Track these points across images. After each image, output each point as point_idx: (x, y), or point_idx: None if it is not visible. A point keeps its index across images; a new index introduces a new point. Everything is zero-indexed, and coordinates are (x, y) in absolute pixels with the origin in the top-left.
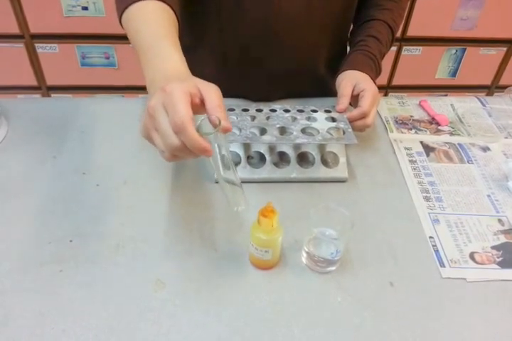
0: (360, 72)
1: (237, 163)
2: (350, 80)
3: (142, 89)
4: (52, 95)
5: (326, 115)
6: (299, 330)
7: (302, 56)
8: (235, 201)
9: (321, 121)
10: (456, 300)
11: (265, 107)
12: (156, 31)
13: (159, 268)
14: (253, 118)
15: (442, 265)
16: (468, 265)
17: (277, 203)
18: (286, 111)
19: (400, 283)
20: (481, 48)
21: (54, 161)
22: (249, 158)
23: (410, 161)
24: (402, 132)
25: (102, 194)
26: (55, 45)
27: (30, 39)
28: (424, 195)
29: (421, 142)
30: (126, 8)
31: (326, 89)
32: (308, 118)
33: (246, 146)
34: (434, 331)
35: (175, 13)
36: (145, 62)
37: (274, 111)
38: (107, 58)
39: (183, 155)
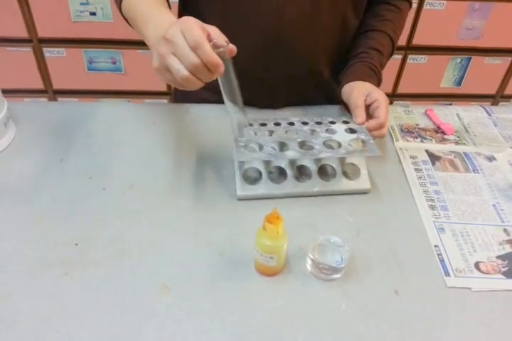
0: (368, 83)
1: (258, 179)
2: (361, 90)
3: (148, 94)
4: (58, 99)
5: (344, 126)
6: (303, 338)
7: (307, 61)
8: (240, 122)
9: (340, 133)
10: (461, 309)
11: (283, 121)
12: (151, 4)
13: (164, 272)
14: (271, 132)
15: (447, 274)
16: (474, 274)
17: (283, 210)
18: (305, 123)
19: (404, 291)
20: (486, 58)
21: (61, 165)
22: (269, 172)
23: (416, 170)
24: (408, 140)
25: (108, 198)
26: (63, 49)
27: (38, 43)
28: (430, 203)
29: (426, 151)
30: None
31: (329, 92)
32: (327, 130)
33: (266, 162)
34: (438, 339)
35: None
36: (145, 26)
37: (292, 124)
38: (114, 63)
39: (200, 73)
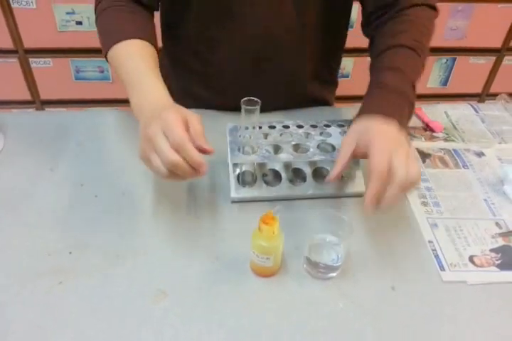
0: (375, 120)
1: (252, 182)
2: (350, 134)
3: None
4: (46, 109)
5: (339, 129)
6: (301, 337)
7: (295, 71)
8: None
9: (335, 136)
10: (458, 302)
11: (278, 124)
12: (140, 66)
13: (160, 278)
14: (266, 135)
15: (442, 269)
16: (468, 268)
17: (278, 212)
18: (300, 126)
19: (401, 287)
20: (471, 57)
21: (51, 174)
22: (263, 175)
23: None
24: None
25: (100, 205)
26: (49, 59)
27: (24, 54)
28: (422, 200)
29: (416, 149)
30: (111, 47)
31: (317, 95)
32: (322, 134)
33: (261, 165)
34: (436, 334)
35: (155, 47)
36: (132, 92)
37: (287, 127)
38: (101, 72)
39: (181, 171)
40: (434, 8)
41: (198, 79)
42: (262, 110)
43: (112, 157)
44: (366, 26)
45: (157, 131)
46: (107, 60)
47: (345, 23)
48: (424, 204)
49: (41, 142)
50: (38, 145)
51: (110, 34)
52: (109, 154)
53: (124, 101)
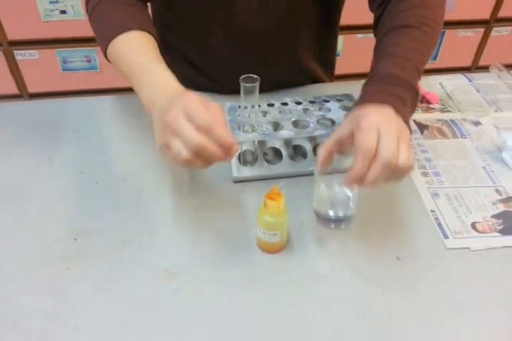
0: (372, 105)
1: (253, 162)
2: (347, 119)
3: (126, 90)
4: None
5: (338, 104)
6: (311, 309)
7: (290, 55)
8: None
9: (334, 111)
10: (462, 269)
11: (276, 101)
12: (144, 57)
13: (167, 259)
14: (264, 113)
15: (446, 236)
16: (471, 234)
17: (280, 189)
18: (298, 103)
19: (406, 256)
20: (459, 30)
21: (50, 162)
22: (264, 154)
23: None
24: None
25: (101, 191)
26: (35, 51)
27: (8, 46)
28: (422, 170)
29: (414, 120)
30: (109, 42)
31: (314, 75)
32: (321, 109)
33: (261, 143)
34: (444, 301)
35: (154, 38)
36: (140, 85)
37: (285, 104)
38: (89, 62)
39: (210, 152)
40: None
41: (193, 67)
42: (260, 91)
43: (109, 143)
44: (372, 1)
45: (178, 115)
46: (106, 58)
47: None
48: (425, 174)
49: (36, 132)
50: (34, 134)
51: (106, 29)
52: (106, 140)
53: (114, 91)
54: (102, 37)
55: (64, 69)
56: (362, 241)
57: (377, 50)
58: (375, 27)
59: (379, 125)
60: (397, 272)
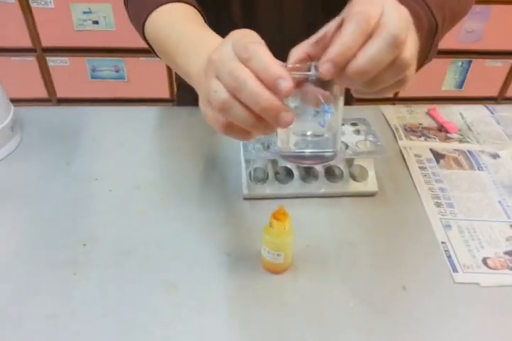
0: None
1: (264, 179)
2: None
3: (150, 101)
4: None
5: (352, 128)
6: (311, 335)
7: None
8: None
9: (348, 135)
10: (470, 304)
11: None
12: (189, 29)
13: (171, 271)
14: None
15: (455, 270)
16: (482, 270)
17: (289, 209)
18: None
19: (412, 287)
20: (487, 60)
21: (67, 168)
22: (276, 173)
23: (420, 168)
24: (412, 139)
25: (114, 199)
26: (66, 58)
27: (41, 53)
28: (435, 200)
29: (430, 149)
30: (148, 16)
31: None
32: None
33: (273, 162)
34: (447, 334)
35: (199, 11)
36: (188, 53)
37: None
38: (117, 71)
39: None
40: None
41: None
42: None
43: (126, 152)
44: None
45: (227, 50)
46: (143, 36)
47: None
48: (438, 204)
49: (58, 137)
50: (55, 140)
51: (143, 4)
52: (124, 149)
53: (139, 101)
54: (138, 13)
55: (92, 77)
56: (368, 268)
57: None
58: None
59: (385, 1)
60: (402, 302)
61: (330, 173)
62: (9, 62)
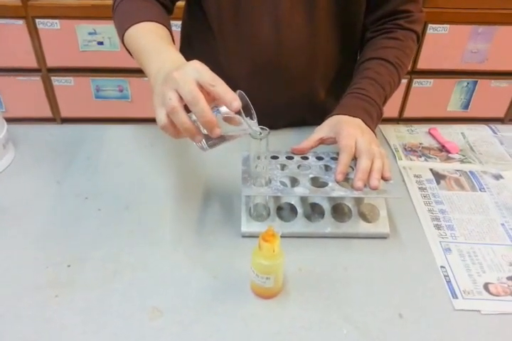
0: (347, 116)
1: (265, 216)
2: (327, 124)
3: (154, 121)
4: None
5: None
6: None
7: (306, 86)
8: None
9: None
10: (470, 333)
11: (296, 155)
12: (157, 40)
13: (156, 295)
14: (283, 166)
15: (455, 296)
16: (483, 296)
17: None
18: (319, 158)
19: (409, 315)
20: (492, 81)
21: (57, 186)
22: (278, 209)
23: (420, 188)
24: (411, 159)
25: (103, 219)
26: (71, 78)
27: (46, 72)
28: (435, 222)
29: (431, 169)
30: (128, 27)
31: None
32: None
33: (276, 198)
34: None
35: (169, 30)
36: (149, 59)
37: (305, 158)
38: (121, 91)
39: (199, 107)
40: (418, 40)
41: None
42: (275, 128)
43: (118, 171)
44: (371, 13)
45: (187, 70)
46: (122, 42)
47: (357, 33)
48: (438, 227)
49: (51, 155)
50: (48, 158)
51: (128, 17)
52: (117, 168)
53: (142, 120)
54: (121, 23)
55: (97, 97)
56: (363, 294)
57: (360, 71)
58: (362, 43)
59: (356, 134)
60: (397, 331)
61: (337, 211)
62: (15, 81)
